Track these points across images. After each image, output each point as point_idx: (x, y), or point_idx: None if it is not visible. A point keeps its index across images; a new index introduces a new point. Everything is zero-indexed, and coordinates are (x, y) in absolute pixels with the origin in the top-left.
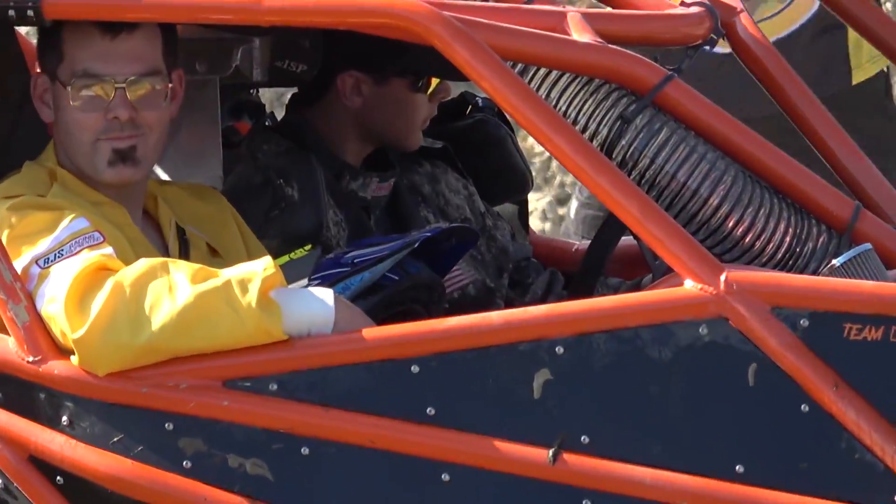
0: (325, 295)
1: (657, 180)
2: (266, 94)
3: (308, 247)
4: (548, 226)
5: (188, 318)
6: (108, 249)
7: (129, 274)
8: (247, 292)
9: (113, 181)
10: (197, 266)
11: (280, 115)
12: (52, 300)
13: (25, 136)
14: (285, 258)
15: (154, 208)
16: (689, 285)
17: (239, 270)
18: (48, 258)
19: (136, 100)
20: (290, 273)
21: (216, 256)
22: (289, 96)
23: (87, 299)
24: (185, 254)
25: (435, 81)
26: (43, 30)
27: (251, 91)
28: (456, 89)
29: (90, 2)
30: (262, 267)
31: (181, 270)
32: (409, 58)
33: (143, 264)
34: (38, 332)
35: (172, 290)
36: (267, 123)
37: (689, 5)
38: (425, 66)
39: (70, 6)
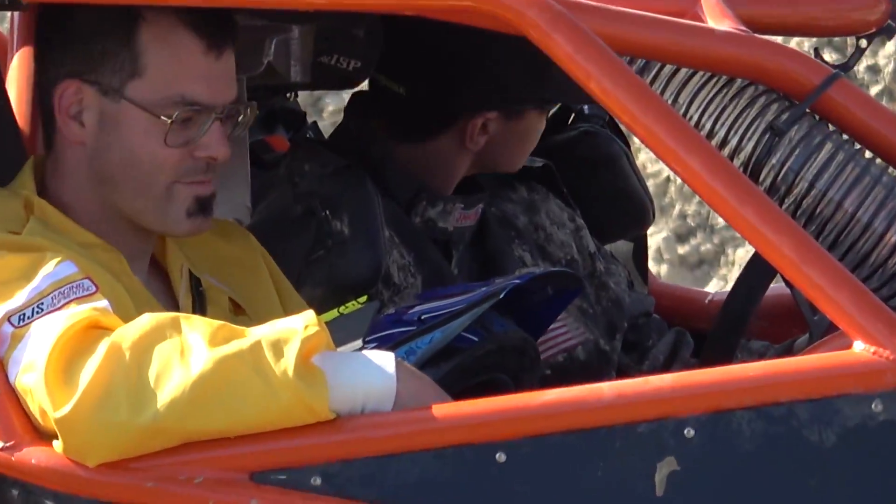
0: (385, 360)
1: (818, 210)
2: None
3: (363, 299)
4: (664, 268)
5: (206, 390)
6: (103, 302)
7: (128, 333)
8: (282, 357)
9: (186, 234)
10: (217, 323)
11: (320, 124)
12: (30, 368)
13: None
14: (333, 313)
15: (161, 252)
16: (860, 348)
17: (272, 329)
18: (24, 314)
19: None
20: (340, 332)
21: (240, 314)
22: (329, 101)
23: (75, 366)
24: (200, 311)
25: None
26: (72, 22)
27: (287, 95)
28: None
29: None
30: (303, 324)
31: (196, 329)
32: (551, 85)
33: (148, 321)
34: (10, 410)
35: (185, 354)
36: (309, 136)
37: None
38: (568, 93)
39: None
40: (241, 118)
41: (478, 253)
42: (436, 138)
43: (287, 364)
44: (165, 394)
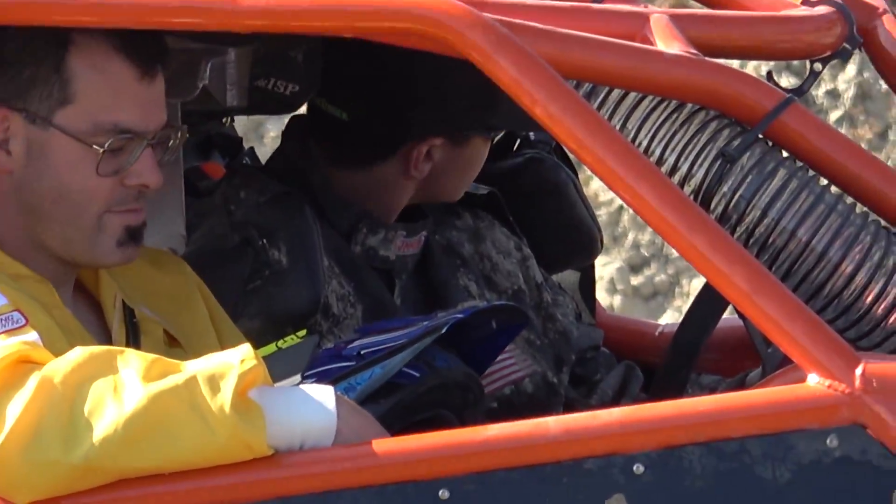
0: (325, 396)
1: (770, 240)
2: (239, 124)
3: (302, 332)
4: (617, 299)
5: (140, 427)
6: (32, 335)
7: (60, 368)
8: (218, 392)
9: (115, 264)
10: (152, 357)
11: (260, 151)
12: None
13: None
14: (271, 347)
15: (93, 282)
16: (814, 382)
17: (208, 363)
18: None
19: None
20: (278, 367)
21: (175, 346)
22: (270, 126)
23: (2, 401)
24: (134, 343)
25: None
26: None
27: (223, 120)
28: None
29: (25, 3)
30: (239, 358)
31: (130, 364)
32: (500, 110)
33: (80, 355)
34: None
35: (118, 390)
36: (246, 162)
37: (814, 4)
38: (517, 116)
39: None
40: (171, 143)
41: (421, 282)
42: (379, 165)
43: (223, 399)
44: (98, 431)
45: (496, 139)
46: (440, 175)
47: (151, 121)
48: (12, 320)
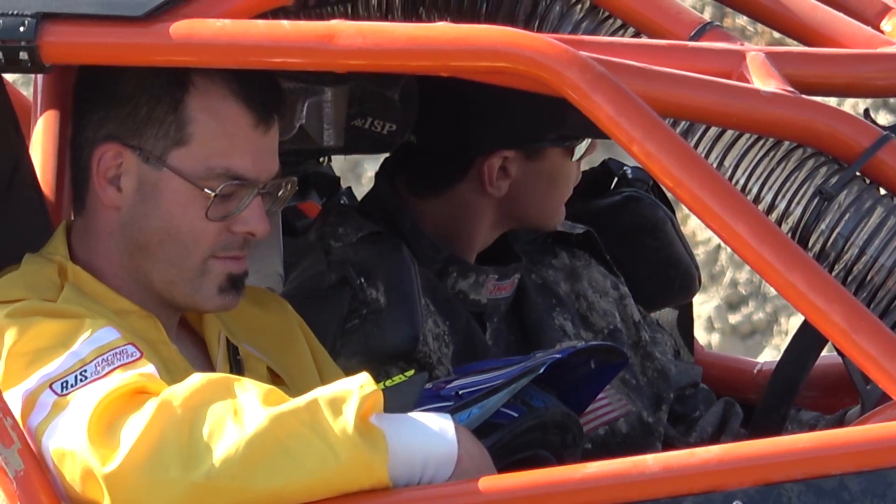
0: (444, 424)
1: (869, 277)
2: (337, 164)
3: (410, 372)
4: (715, 338)
5: (261, 448)
6: (149, 367)
7: (178, 392)
8: (340, 414)
9: (215, 310)
10: (269, 386)
11: (358, 190)
12: (71, 433)
13: (16, 220)
14: (379, 386)
15: (197, 320)
16: None
17: (328, 389)
18: (66, 381)
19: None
20: (387, 405)
21: (279, 383)
22: (368, 166)
23: (121, 423)
24: None
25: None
26: (117, 83)
27: (320, 160)
28: (594, 154)
29: (106, 42)
30: (359, 384)
31: (249, 390)
32: (567, 120)
33: (198, 380)
34: (36, 482)
35: (239, 413)
36: (342, 202)
37: None
38: (586, 127)
39: (78, 48)
40: (280, 193)
41: (514, 324)
42: (455, 187)
43: (346, 422)
44: (219, 451)
45: (592, 176)
46: (522, 193)
47: (263, 169)
48: (127, 354)
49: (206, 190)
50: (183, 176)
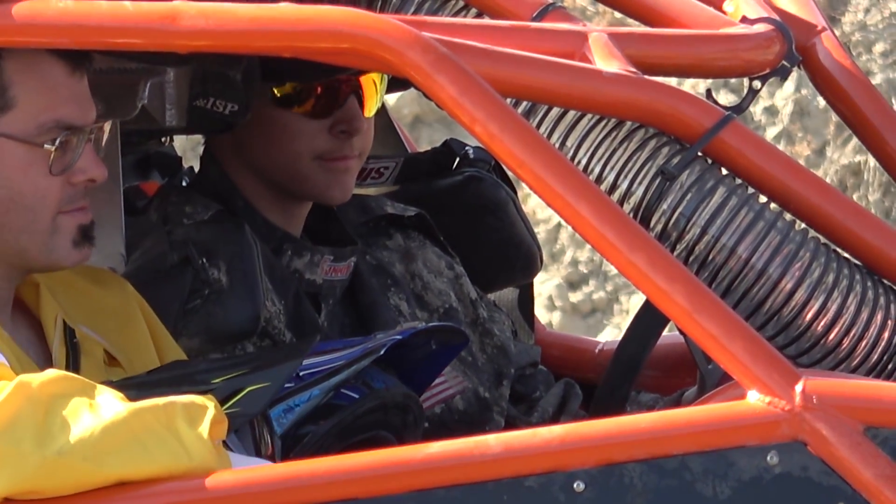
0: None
1: (710, 257)
2: (178, 143)
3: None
4: (556, 316)
5: (116, 436)
6: None
7: (36, 378)
8: (196, 423)
9: (75, 264)
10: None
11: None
12: None
13: None
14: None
15: (34, 300)
16: (754, 399)
17: (183, 398)
18: None
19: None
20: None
21: (115, 365)
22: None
23: None
24: (74, 363)
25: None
26: None
27: (162, 140)
28: (436, 134)
29: None
30: (213, 403)
31: (105, 391)
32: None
33: (56, 373)
34: None
35: (94, 406)
36: (184, 182)
37: (752, 22)
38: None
39: None
40: (105, 138)
41: (349, 306)
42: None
43: (202, 429)
44: (74, 432)
45: (424, 154)
46: (248, 144)
47: (88, 114)
48: None
49: (45, 146)
50: (17, 139)
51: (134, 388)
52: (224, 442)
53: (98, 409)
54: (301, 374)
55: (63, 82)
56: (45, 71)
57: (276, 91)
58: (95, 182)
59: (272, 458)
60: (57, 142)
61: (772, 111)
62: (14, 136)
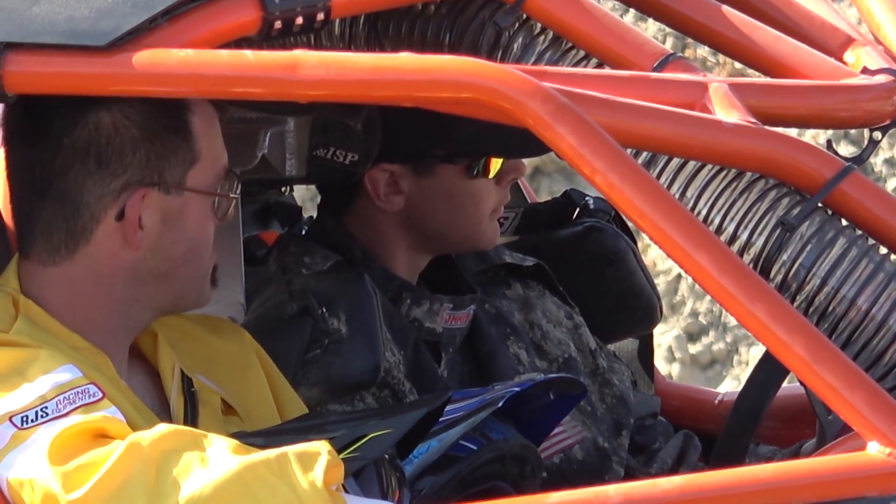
0: None
1: (830, 308)
2: (298, 193)
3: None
4: (675, 368)
5: (228, 491)
6: (111, 410)
7: (147, 436)
8: (309, 469)
9: (206, 303)
10: (235, 441)
11: None
12: (31, 463)
13: None
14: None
15: (151, 349)
16: (875, 450)
17: (296, 447)
18: (27, 416)
19: None
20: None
21: (231, 413)
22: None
23: (85, 458)
24: (192, 412)
25: (498, 161)
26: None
27: (282, 189)
28: (555, 184)
29: (70, 72)
30: (327, 448)
31: (216, 443)
32: (456, 137)
33: (166, 428)
34: None
35: (206, 460)
36: (303, 231)
37: (873, 73)
38: (479, 145)
39: (42, 77)
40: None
41: (468, 355)
42: (353, 203)
43: (315, 477)
44: (186, 490)
45: (543, 204)
46: (421, 211)
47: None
48: (88, 394)
49: (230, 195)
50: (203, 192)
51: (262, 437)
52: (345, 486)
53: (209, 464)
54: None
55: (219, 126)
56: (212, 119)
57: (468, 164)
58: (228, 220)
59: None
60: (227, 188)
61: (892, 163)
62: (201, 189)
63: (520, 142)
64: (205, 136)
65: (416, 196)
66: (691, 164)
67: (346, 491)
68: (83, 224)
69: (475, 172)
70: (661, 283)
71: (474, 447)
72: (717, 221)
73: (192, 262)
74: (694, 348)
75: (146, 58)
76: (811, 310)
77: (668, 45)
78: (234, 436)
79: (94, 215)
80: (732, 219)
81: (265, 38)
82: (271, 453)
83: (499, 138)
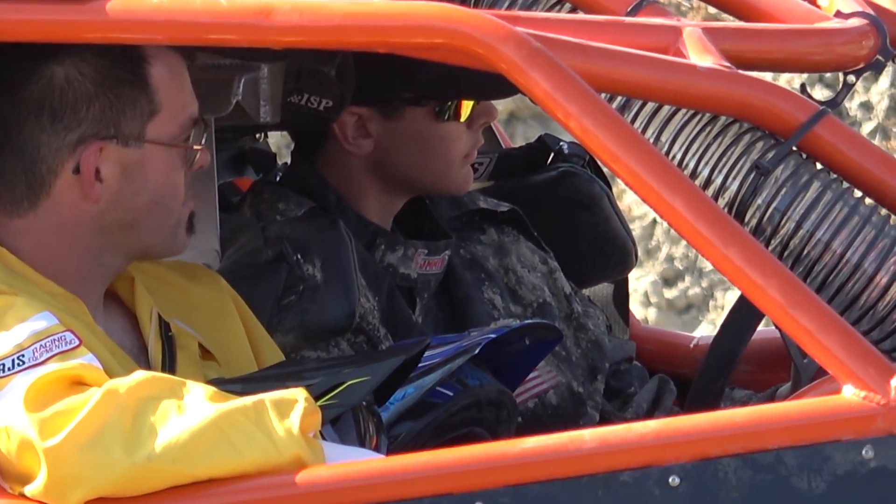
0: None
1: (805, 252)
2: (273, 140)
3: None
4: (651, 313)
5: (205, 437)
6: (88, 357)
7: (124, 383)
8: (286, 417)
9: (183, 250)
10: (212, 388)
11: None
12: (7, 411)
13: None
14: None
15: (128, 294)
16: (850, 393)
17: (273, 394)
18: (3, 364)
19: None
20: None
21: (209, 359)
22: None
23: (62, 405)
24: (170, 357)
25: (469, 104)
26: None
27: (257, 136)
28: (530, 130)
29: (43, 20)
30: (303, 395)
31: (195, 390)
32: (424, 79)
33: (144, 375)
34: None
35: (183, 407)
36: (278, 178)
37: (847, 16)
38: (448, 88)
39: (14, 25)
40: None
41: (444, 300)
42: (323, 147)
43: (291, 424)
44: (162, 437)
45: (517, 149)
46: (391, 154)
47: (197, 101)
48: (65, 341)
49: (194, 147)
50: (164, 143)
51: (240, 384)
52: (322, 433)
53: (186, 411)
54: None
55: (186, 77)
56: (176, 69)
57: (437, 107)
58: (203, 167)
59: (377, 450)
60: (191, 139)
61: (867, 106)
62: (162, 140)
63: (488, 84)
64: (166, 87)
65: (384, 139)
66: (665, 109)
67: (324, 438)
68: (41, 177)
69: (446, 116)
70: (636, 228)
71: (450, 393)
72: (691, 166)
73: (157, 212)
74: (670, 293)
75: (120, 5)
76: (786, 253)
77: None
78: (211, 382)
79: (52, 168)
80: (707, 163)
81: None
82: (248, 401)
83: (466, 81)
